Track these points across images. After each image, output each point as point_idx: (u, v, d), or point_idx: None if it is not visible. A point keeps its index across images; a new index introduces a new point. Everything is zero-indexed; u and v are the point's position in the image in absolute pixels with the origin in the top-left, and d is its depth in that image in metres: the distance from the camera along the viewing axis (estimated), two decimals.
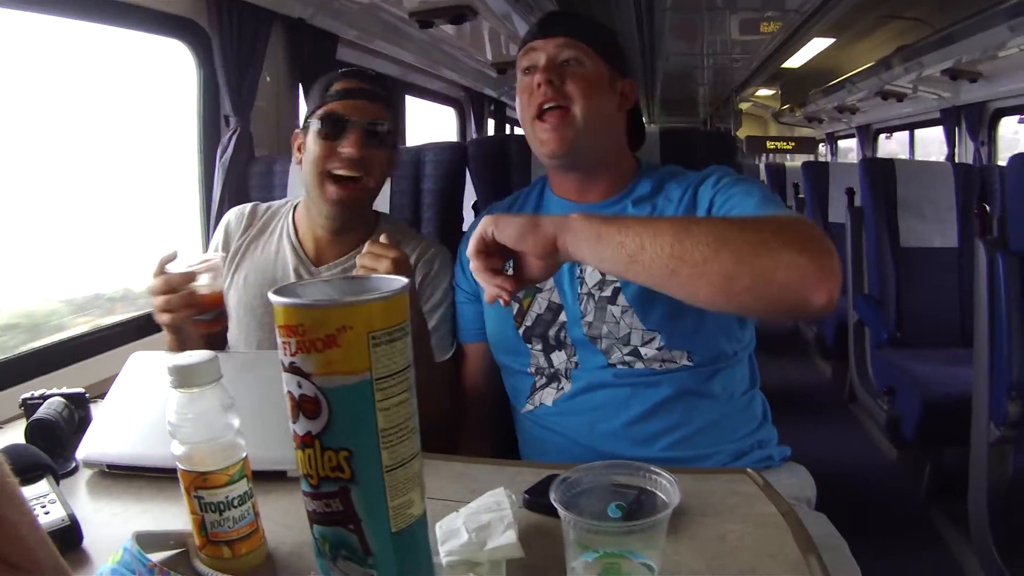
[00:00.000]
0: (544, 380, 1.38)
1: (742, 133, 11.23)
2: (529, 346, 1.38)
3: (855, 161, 5.95)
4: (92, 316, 2.00)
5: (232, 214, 1.64)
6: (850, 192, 3.64)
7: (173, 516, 0.92)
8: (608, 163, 1.41)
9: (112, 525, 0.94)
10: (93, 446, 1.09)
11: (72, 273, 2.01)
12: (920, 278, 3.17)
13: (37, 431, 1.13)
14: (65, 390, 1.25)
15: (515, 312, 1.40)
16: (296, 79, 2.50)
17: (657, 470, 0.79)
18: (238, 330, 1.54)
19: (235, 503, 0.80)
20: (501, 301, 1.02)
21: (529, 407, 1.40)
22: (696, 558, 0.82)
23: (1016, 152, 2.00)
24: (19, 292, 1.86)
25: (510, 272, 1.04)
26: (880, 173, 3.23)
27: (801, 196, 4.76)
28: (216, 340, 1.54)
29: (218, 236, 1.62)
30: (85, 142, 2.03)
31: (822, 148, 10.16)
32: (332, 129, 1.44)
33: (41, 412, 1.17)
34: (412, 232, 1.63)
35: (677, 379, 1.30)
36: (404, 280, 0.70)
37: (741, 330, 1.38)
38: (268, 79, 2.35)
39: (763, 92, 9.33)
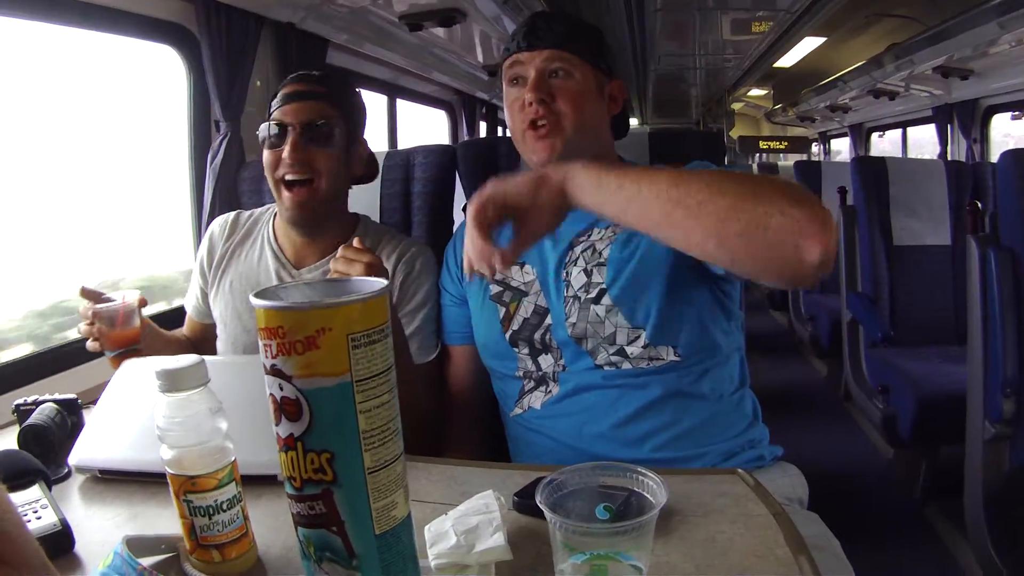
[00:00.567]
0: (532, 384, 1.38)
1: (735, 133, 11.24)
2: (516, 350, 1.38)
3: (847, 160, 5.96)
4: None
5: (216, 224, 1.67)
6: (842, 191, 3.64)
7: (165, 521, 0.92)
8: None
9: (104, 530, 0.94)
10: (85, 451, 1.09)
11: (54, 280, 2.02)
12: (913, 276, 3.17)
13: (30, 437, 1.13)
14: (58, 396, 1.25)
15: (502, 317, 1.40)
16: None
17: (644, 471, 0.79)
18: (225, 335, 1.57)
19: (224, 507, 0.80)
20: (495, 273, 1.05)
21: (518, 411, 1.40)
22: (686, 559, 0.82)
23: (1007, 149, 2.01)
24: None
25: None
26: (872, 171, 3.25)
27: None
28: (205, 347, 1.55)
29: (203, 246, 1.65)
30: (77, 147, 2.04)
31: (815, 147, 10.17)
32: (275, 136, 1.46)
33: (34, 418, 1.17)
34: (392, 233, 1.63)
35: (665, 379, 1.30)
36: (383, 282, 0.70)
37: (728, 322, 1.37)
38: (258, 84, 2.35)
39: (755, 92, 9.35)
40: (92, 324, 1.33)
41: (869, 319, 3.02)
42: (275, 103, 1.49)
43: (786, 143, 10.51)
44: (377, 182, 1.75)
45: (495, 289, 1.42)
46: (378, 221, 1.78)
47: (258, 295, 0.66)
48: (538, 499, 0.74)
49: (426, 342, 1.52)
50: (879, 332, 2.94)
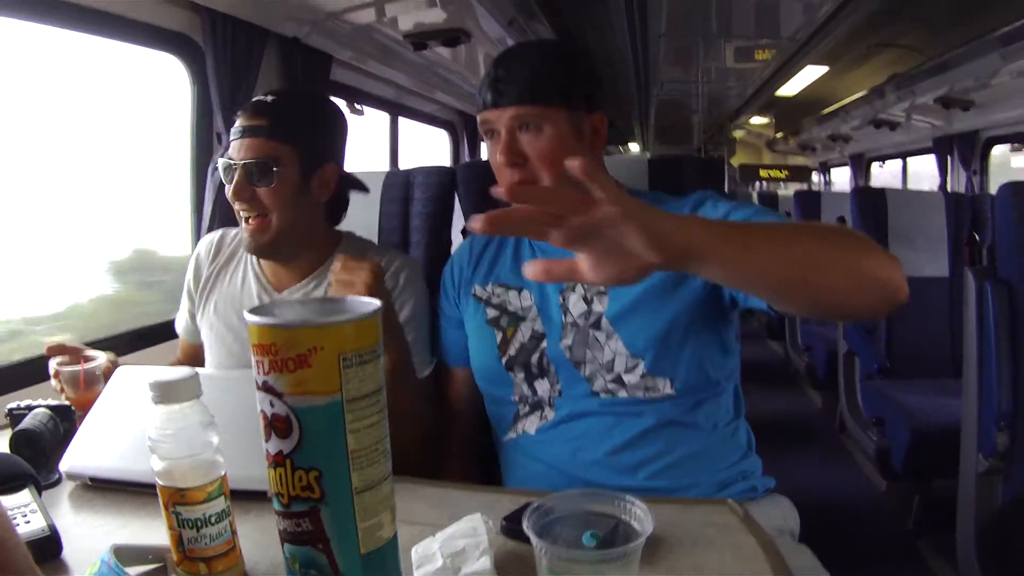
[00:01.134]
0: (527, 408, 1.37)
1: (736, 161, 11.26)
2: (512, 375, 1.37)
3: (847, 190, 5.98)
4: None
5: (202, 245, 1.65)
6: (841, 221, 3.65)
7: (154, 531, 0.91)
8: None
9: (92, 537, 0.95)
10: (77, 458, 1.09)
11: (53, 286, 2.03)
12: (910, 308, 3.12)
13: (22, 441, 1.13)
14: (51, 402, 1.26)
15: (499, 341, 1.39)
16: None
17: (631, 498, 0.79)
18: (211, 357, 1.57)
19: (212, 520, 0.80)
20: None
21: (512, 435, 1.39)
22: None
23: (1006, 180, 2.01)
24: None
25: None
26: (871, 202, 3.25)
27: None
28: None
29: (190, 267, 1.63)
30: (80, 152, 2.05)
31: (815, 177, 10.18)
32: (228, 174, 1.42)
33: (26, 423, 1.17)
34: (375, 247, 1.60)
35: (661, 409, 1.29)
36: (377, 303, 0.70)
37: (724, 358, 1.36)
38: None
39: (757, 120, 9.35)
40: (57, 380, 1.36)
41: (865, 350, 3.02)
42: (230, 137, 1.46)
43: (787, 172, 10.48)
44: (377, 202, 1.75)
45: (492, 314, 1.42)
46: (376, 240, 1.78)
47: (252, 311, 0.67)
48: (525, 524, 0.74)
49: (419, 358, 1.48)
50: (875, 363, 2.94)
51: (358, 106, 3.18)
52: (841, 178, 9.35)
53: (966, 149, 4.49)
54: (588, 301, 1.33)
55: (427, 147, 4.86)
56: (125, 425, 1.10)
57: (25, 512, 0.92)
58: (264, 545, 0.89)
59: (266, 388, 0.65)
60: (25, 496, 0.95)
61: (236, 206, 1.43)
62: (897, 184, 6.51)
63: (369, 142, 3.83)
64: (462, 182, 1.82)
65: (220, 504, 0.81)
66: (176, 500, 0.78)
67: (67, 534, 0.90)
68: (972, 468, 2.02)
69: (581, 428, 1.32)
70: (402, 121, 4.06)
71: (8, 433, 1.17)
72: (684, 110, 7.32)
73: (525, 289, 1.40)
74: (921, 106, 4.45)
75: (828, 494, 3.29)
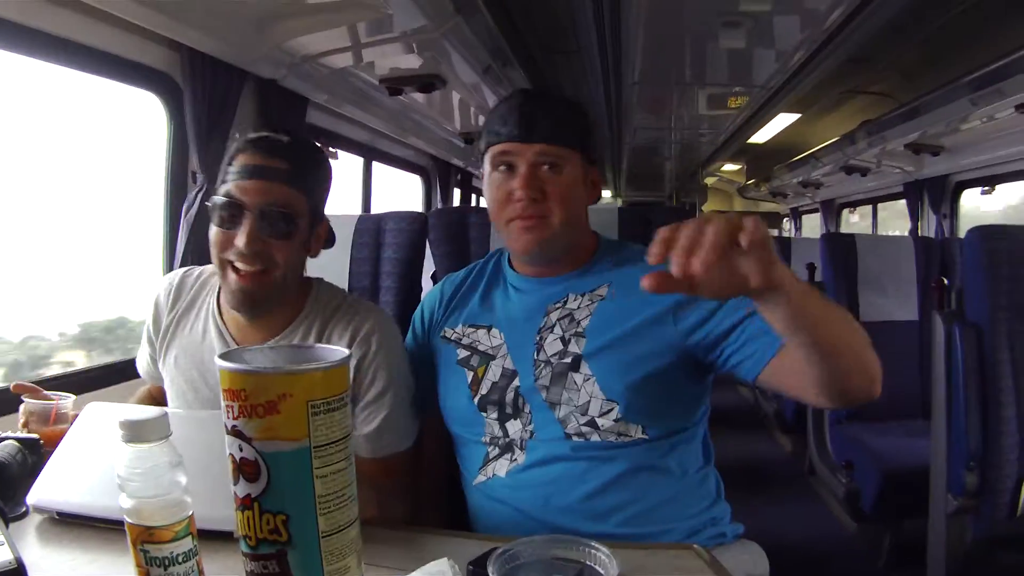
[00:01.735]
0: (497, 451, 1.37)
1: (707, 207, 11.36)
2: (484, 415, 1.37)
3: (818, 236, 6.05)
4: None
5: (161, 289, 1.49)
6: (811, 267, 3.69)
7: (122, 567, 0.90)
8: (573, 249, 1.42)
9: (59, 571, 0.95)
10: (44, 492, 1.09)
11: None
12: (880, 351, 3.14)
13: None
14: (20, 434, 1.24)
15: (470, 381, 1.39)
16: None
17: (596, 544, 0.80)
18: (174, 406, 1.46)
19: (180, 559, 0.79)
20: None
21: (481, 478, 1.38)
22: None
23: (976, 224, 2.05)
24: None
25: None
26: (841, 248, 3.29)
27: None
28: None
29: (149, 312, 1.49)
30: (54, 186, 2.05)
31: (786, 223, 10.29)
32: (227, 215, 1.27)
33: None
34: (347, 302, 1.43)
35: (633, 454, 1.30)
36: (345, 351, 0.72)
37: (696, 405, 1.39)
38: (238, 137, 2.37)
39: (729, 167, 9.45)
40: (27, 418, 1.33)
41: None
42: (232, 170, 1.30)
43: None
44: (348, 246, 1.75)
45: (463, 354, 1.42)
46: (346, 286, 1.77)
47: (223, 356, 0.67)
48: (490, 569, 0.75)
49: (401, 428, 1.40)
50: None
51: (332, 149, 3.21)
52: (812, 223, 9.46)
53: (936, 193, 4.56)
54: (565, 341, 1.34)
55: (395, 192, 4.89)
56: (94, 461, 1.09)
57: None
58: None
59: (235, 432, 0.66)
60: None
61: (229, 255, 1.28)
62: (866, 230, 6.60)
63: (341, 185, 3.84)
64: (434, 228, 1.83)
65: (188, 543, 0.80)
66: (144, 538, 0.78)
67: (34, 567, 0.89)
68: (942, 508, 2.04)
69: (553, 473, 1.31)
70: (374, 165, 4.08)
71: None
72: (656, 156, 7.36)
73: (495, 328, 1.41)
74: (891, 152, 4.52)
75: (798, 537, 3.28)
